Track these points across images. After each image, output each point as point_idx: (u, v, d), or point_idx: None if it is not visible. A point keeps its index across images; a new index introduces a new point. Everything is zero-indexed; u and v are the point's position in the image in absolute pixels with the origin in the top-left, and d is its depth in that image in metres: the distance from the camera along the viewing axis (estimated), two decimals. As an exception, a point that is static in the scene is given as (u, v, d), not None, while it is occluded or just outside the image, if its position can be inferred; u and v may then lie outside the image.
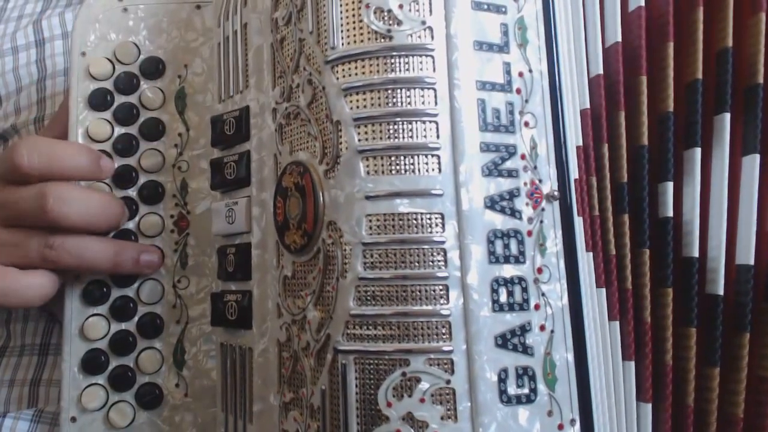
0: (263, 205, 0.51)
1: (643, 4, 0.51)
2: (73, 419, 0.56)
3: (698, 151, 0.50)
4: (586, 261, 0.47)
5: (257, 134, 0.52)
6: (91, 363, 0.56)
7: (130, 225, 0.59)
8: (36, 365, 0.67)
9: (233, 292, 0.53)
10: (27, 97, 0.73)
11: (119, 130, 0.60)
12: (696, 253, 0.49)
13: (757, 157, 0.50)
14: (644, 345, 0.49)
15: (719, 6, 0.51)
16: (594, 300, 0.47)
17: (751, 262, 0.49)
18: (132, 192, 0.59)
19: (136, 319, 0.58)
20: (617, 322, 0.48)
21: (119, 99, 0.60)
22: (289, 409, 0.47)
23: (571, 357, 0.44)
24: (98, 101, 0.60)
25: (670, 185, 0.50)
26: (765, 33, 0.50)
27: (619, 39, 0.51)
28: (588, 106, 0.50)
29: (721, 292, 0.49)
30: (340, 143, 0.44)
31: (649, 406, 0.49)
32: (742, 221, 0.49)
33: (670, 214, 0.50)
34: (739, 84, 0.51)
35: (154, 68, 0.61)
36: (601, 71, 0.50)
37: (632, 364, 0.49)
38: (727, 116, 0.50)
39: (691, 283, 0.49)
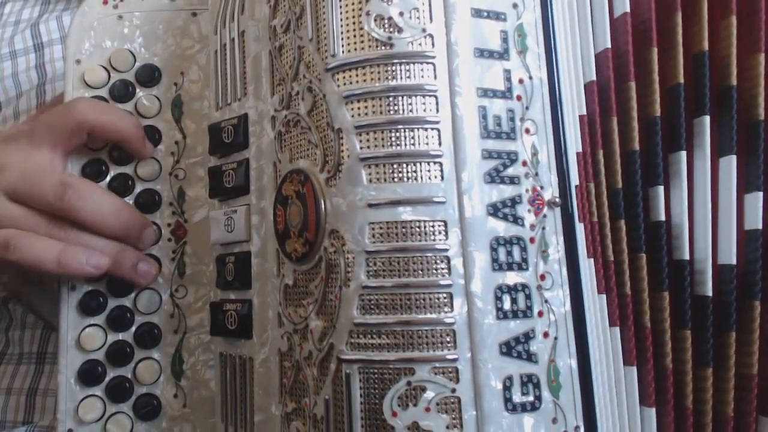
0: (263, 213, 0.51)
1: (628, 9, 0.51)
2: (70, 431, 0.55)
3: (683, 154, 0.51)
4: (587, 267, 0.47)
5: (256, 142, 0.52)
6: (88, 374, 0.56)
7: (127, 234, 0.58)
8: (33, 374, 0.66)
9: (233, 302, 0.53)
10: (26, 102, 0.72)
11: (115, 139, 0.59)
12: (687, 256, 0.50)
13: (734, 158, 0.50)
14: (645, 350, 0.49)
15: (695, 10, 0.51)
16: (596, 306, 0.47)
17: (734, 261, 0.50)
18: (129, 200, 0.58)
19: (133, 329, 0.57)
20: (617, 328, 0.48)
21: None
22: (292, 419, 0.47)
23: (574, 363, 0.44)
24: (94, 109, 0.59)
25: (661, 189, 0.50)
26: (736, 35, 0.50)
27: (609, 45, 0.51)
28: (585, 112, 0.50)
29: (710, 293, 0.50)
30: (342, 151, 0.44)
31: (653, 410, 0.49)
32: (723, 221, 0.50)
33: (663, 218, 0.50)
34: (714, 86, 0.51)
35: (149, 76, 0.60)
36: (594, 77, 0.50)
37: (634, 369, 0.49)
38: (707, 119, 0.51)
39: (684, 286, 0.50)
